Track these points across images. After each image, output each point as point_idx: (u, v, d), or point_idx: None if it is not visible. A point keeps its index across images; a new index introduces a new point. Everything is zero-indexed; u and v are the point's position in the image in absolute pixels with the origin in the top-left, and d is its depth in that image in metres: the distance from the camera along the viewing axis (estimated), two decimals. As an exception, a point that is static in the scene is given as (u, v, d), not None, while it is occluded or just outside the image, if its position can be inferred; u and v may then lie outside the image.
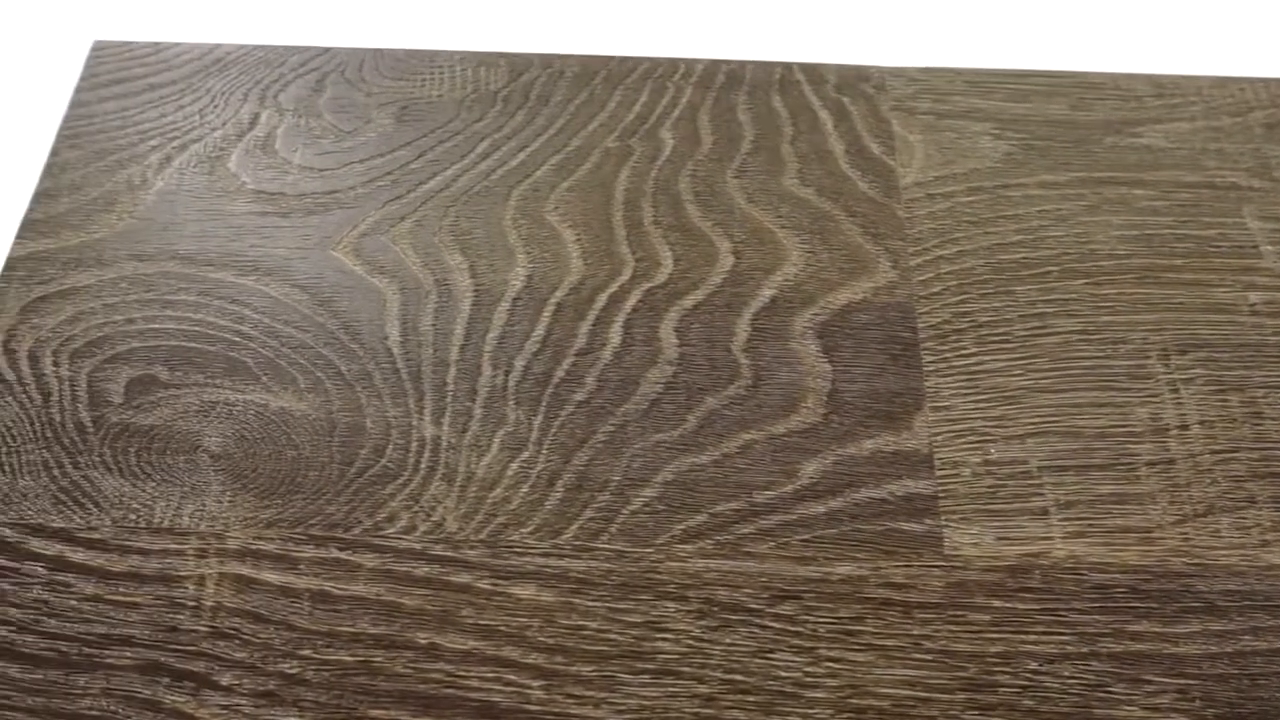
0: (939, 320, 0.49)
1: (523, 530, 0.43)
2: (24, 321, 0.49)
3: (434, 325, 0.48)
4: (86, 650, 0.41)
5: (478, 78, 0.57)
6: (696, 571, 0.42)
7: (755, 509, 0.44)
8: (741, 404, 0.46)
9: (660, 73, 0.57)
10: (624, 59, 0.58)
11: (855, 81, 0.57)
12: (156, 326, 0.48)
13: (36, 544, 0.43)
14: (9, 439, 0.45)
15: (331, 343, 0.48)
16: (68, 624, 0.41)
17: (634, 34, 0.58)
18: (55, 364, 0.48)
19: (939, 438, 0.46)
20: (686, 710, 0.39)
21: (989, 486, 0.44)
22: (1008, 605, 0.42)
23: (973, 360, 0.48)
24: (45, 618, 0.41)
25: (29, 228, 0.51)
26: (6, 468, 0.45)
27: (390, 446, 0.45)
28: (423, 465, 0.45)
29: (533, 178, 0.53)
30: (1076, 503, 0.44)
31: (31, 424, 0.46)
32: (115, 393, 0.47)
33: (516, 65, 0.57)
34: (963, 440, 0.45)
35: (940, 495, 0.44)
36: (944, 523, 0.43)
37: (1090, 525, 0.43)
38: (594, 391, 0.47)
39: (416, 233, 0.51)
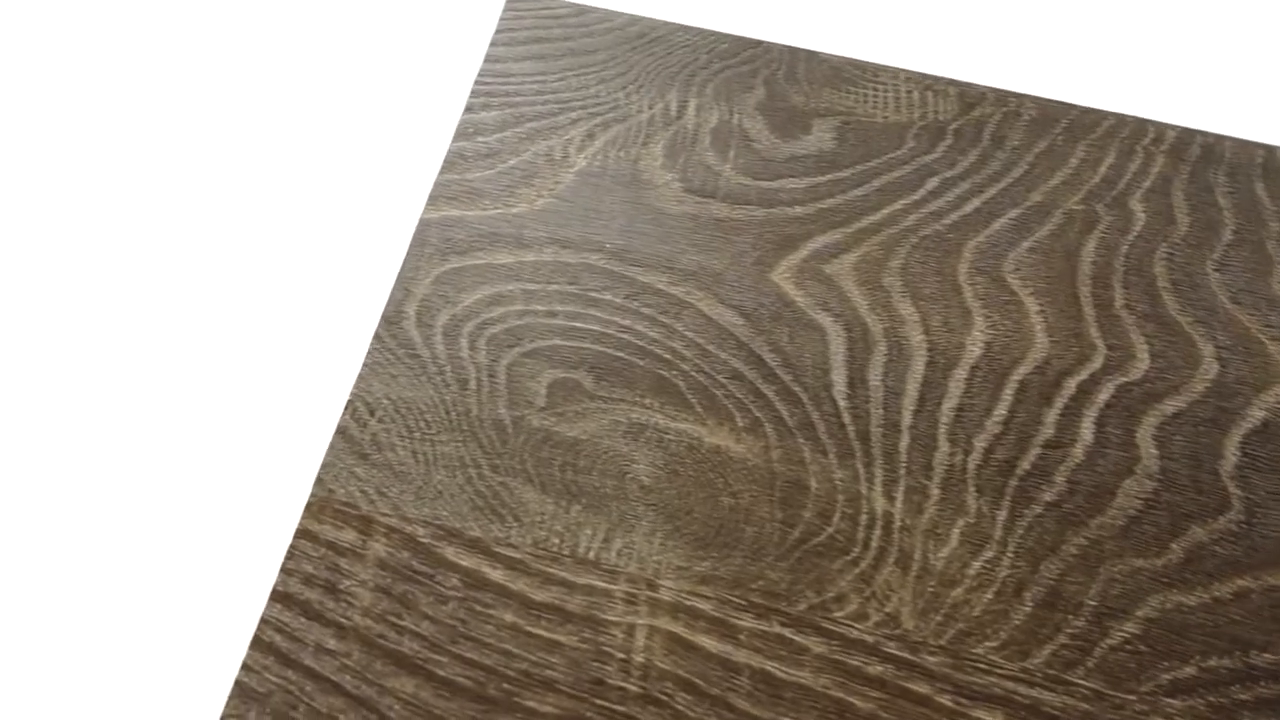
0: None
1: (987, 643, 0.38)
2: (438, 293, 0.44)
3: (884, 381, 0.43)
4: (505, 687, 0.36)
5: (925, 103, 0.51)
6: (1190, 734, 0.36)
7: (1253, 672, 0.38)
8: (1234, 542, 0.40)
9: (1128, 133, 0.50)
10: (1086, 110, 0.51)
11: (1348, 181, 0.49)
12: (581, 326, 0.44)
13: (452, 552, 0.39)
14: (423, 423, 0.41)
15: (771, 380, 0.42)
16: (485, 652, 0.37)
17: (1091, 80, 0.51)
18: (472, 348, 0.43)
19: None
20: None
21: None
22: None
23: None
24: (460, 639, 0.37)
25: (443, 189, 0.47)
26: (420, 456, 0.40)
27: (837, 514, 0.40)
28: (874, 543, 0.39)
29: (989, 230, 0.47)
30: None
31: (447, 412, 0.41)
32: (537, 393, 0.42)
33: (968, 96, 0.51)
34: None
35: None
36: None
37: None
38: (1064, 493, 0.41)
39: (862, 269, 0.45)
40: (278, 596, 0.38)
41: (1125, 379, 0.44)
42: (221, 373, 0.40)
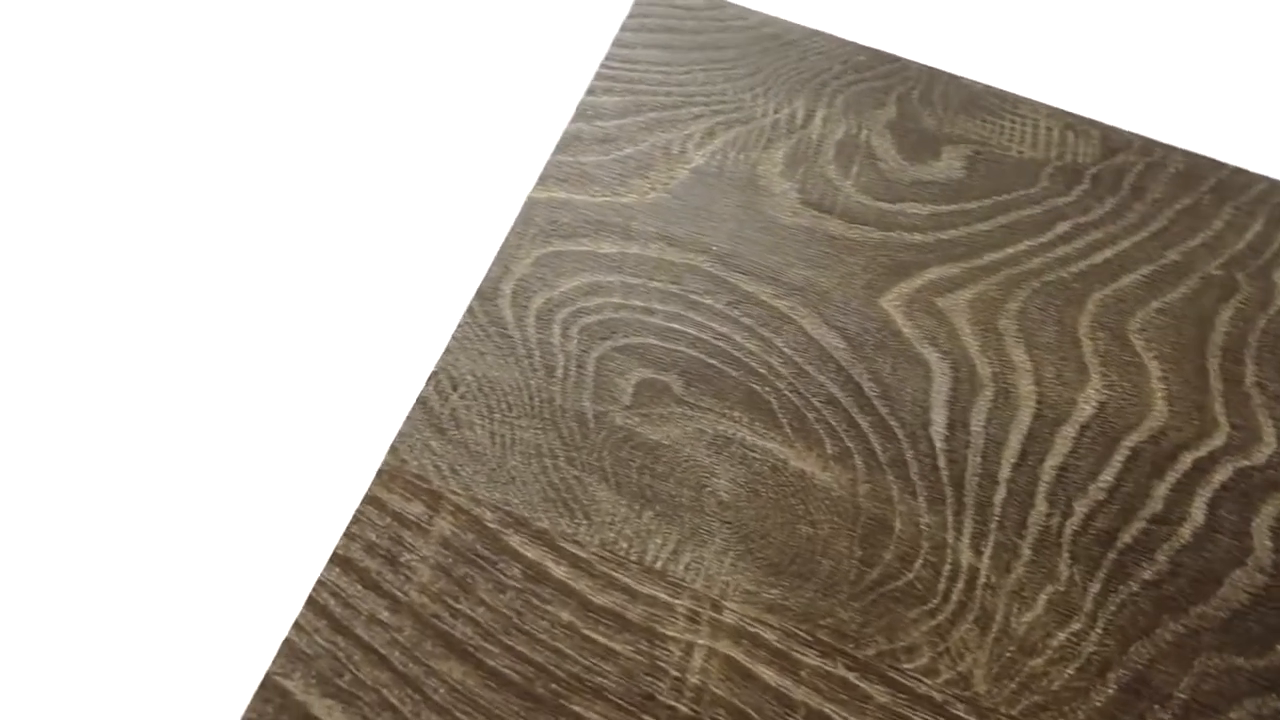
0: None
1: (1063, 721, 0.35)
2: (537, 275, 0.43)
3: (986, 428, 0.40)
4: (554, 687, 0.35)
5: (1065, 143, 0.48)
6: None
7: (1351, 796, 0.34)
8: (1346, 653, 0.37)
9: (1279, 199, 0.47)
10: (1238, 170, 0.48)
11: None
12: (677, 328, 0.42)
13: (517, 540, 0.37)
14: (505, 405, 0.40)
15: (867, 410, 0.40)
16: (537, 648, 0.35)
17: (1248, 140, 0.48)
18: (564, 335, 0.42)
19: None
20: None
21: None
22: None
23: None
24: (514, 630, 0.36)
25: (554, 170, 0.46)
26: (499, 439, 0.39)
27: (919, 561, 0.38)
28: (954, 596, 0.37)
29: (1118, 284, 0.44)
30: None
31: (531, 397, 0.40)
32: (624, 391, 0.41)
33: (1111, 141, 0.48)
34: None
35: None
36: None
37: None
38: (1165, 574, 0.38)
39: (978, 308, 0.43)
40: (337, 560, 0.37)
41: (1247, 462, 0.41)
42: (310, 333, 0.40)
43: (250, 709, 0.35)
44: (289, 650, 0.36)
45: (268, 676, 0.35)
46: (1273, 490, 0.40)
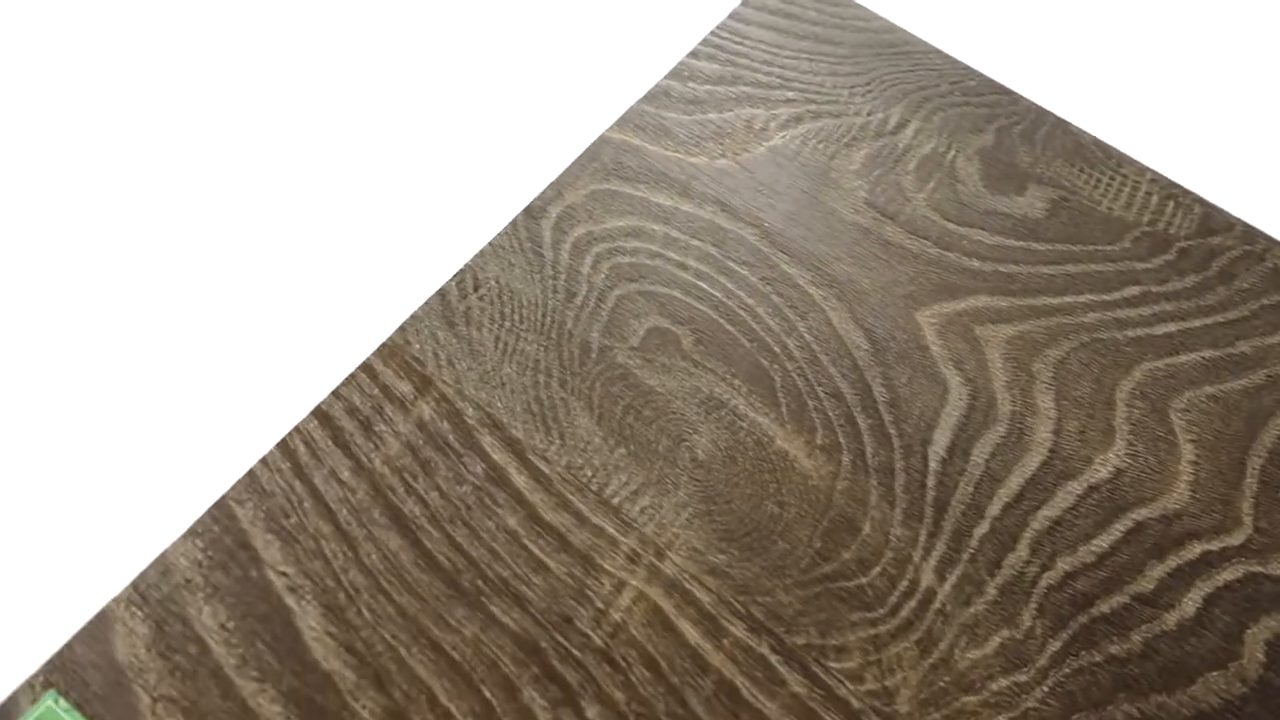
0: None
1: (979, 766, 0.33)
2: (585, 207, 0.44)
3: (987, 461, 0.39)
4: (479, 584, 0.35)
5: (1161, 211, 0.46)
6: None
7: None
8: (1313, 791, 0.34)
9: (1382, 322, 0.44)
10: (1343, 281, 0.45)
11: None
12: (705, 288, 0.42)
13: (488, 441, 0.38)
14: (515, 316, 0.41)
15: (869, 412, 0.39)
16: (475, 544, 0.36)
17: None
18: (594, 267, 0.42)
19: None
20: None
21: None
22: None
23: None
24: (460, 523, 0.36)
25: (634, 117, 0.46)
26: (501, 344, 0.40)
27: (878, 569, 0.36)
28: (903, 613, 0.36)
29: (1174, 359, 0.42)
30: None
31: (544, 315, 0.41)
32: (635, 332, 0.41)
33: (1212, 220, 0.46)
34: None
35: None
36: None
37: None
38: (1136, 655, 0.36)
39: (1016, 345, 0.41)
40: (318, 414, 0.39)
41: (1262, 569, 0.38)
42: (369, 210, 0.41)
43: (199, 523, 0.36)
44: (250, 481, 0.37)
45: (223, 499, 0.37)
46: (1281, 605, 0.37)
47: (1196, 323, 0.43)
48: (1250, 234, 0.46)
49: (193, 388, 0.39)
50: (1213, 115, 0.48)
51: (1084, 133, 0.48)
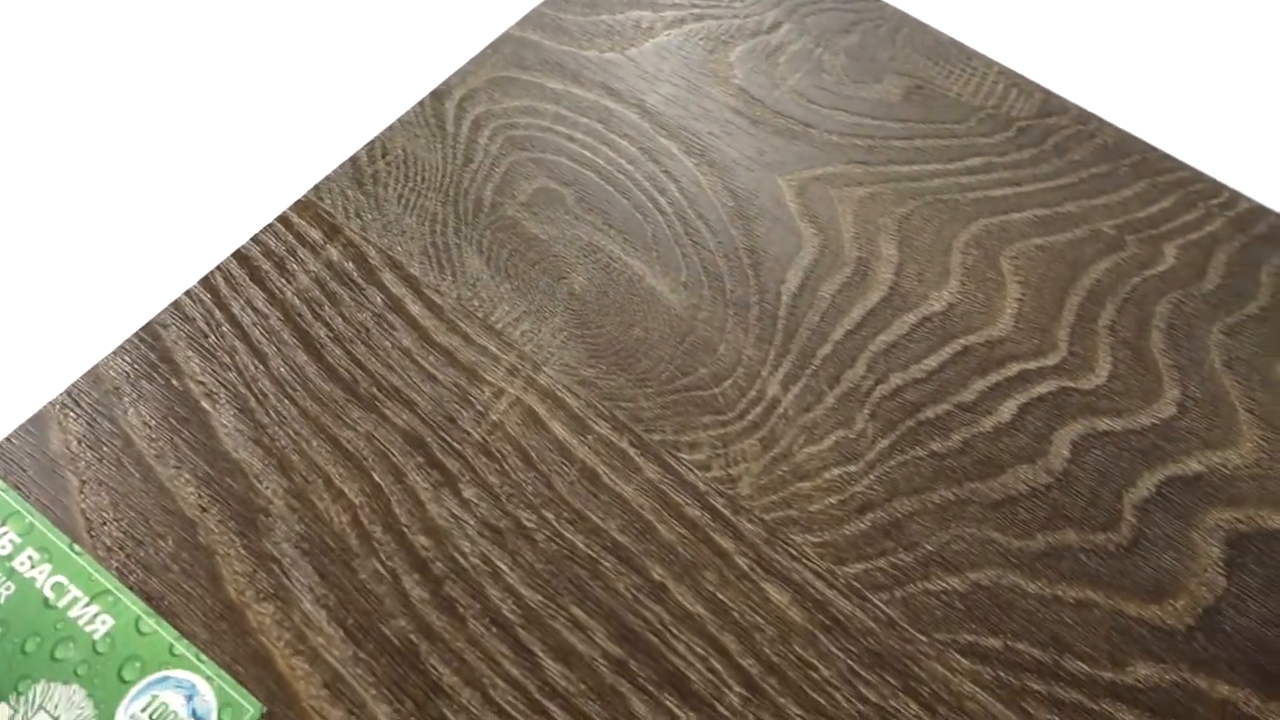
0: (1384, 612, 0.38)
1: (809, 536, 0.38)
2: (486, 91, 0.49)
3: (833, 297, 0.44)
4: (375, 392, 0.40)
5: (1005, 97, 0.51)
6: (960, 691, 0.36)
7: (1059, 673, 0.36)
8: (1104, 559, 0.39)
9: (1199, 188, 0.49)
10: (1166, 155, 0.50)
11: None
12: (589, 155, 0.47)
13: (389, 277, 0.43)
14: (417, 178, 0.46)
15: (730, 257, 0.45)
16: (372, 359, 0.41)
17: (1193, 139, 0.50)
18: (490, 139, 0.48)
19: (1314, 736, 0.36)
20: (872, 823, 0.33)
21: (1348, 828, 0.34)
22: None
23: (1402, 680, 0.37)
24: (359, 342, 0.41)
25: (534, 17, 0.52)
26: (403, 200, 0.45)
27: (730, 381, 0.42)
28: (750, 416, 0.41)
29: (1007, 217, 0.47)
30: None
31: (443, 176, 0.46)
32: (524, 190, 0.46)
33: (1050, 105, 0.51)
34: (1343, 757, 0.35)
35: (1281, 798, 0.34)
36: (1269, 830, 0.34)
37: None
38: (954, 451, 0.41)
39: (866, 204, 0.47)
40: (238, 255, 0.44)
41: (1072, 384, 0.43)
42: (288, 84, 0.47)
43: (128, 341, 0.41)
44: (175, 308, 0.42)
45: (150, 323, 0.42)
46: (1088, 413, 0.42)
47: (1030, 187, 0.49)
48: (1084, 116, 0.51)
49: (125, 233, 0.44)
50: (1057, 12, 0.54)
51: (941, 33, 0.54)
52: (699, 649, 0.36)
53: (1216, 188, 0.49)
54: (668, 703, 0.35)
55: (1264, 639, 0.38)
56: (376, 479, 0.39)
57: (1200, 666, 0.37)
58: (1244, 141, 0.51)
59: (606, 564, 0.37)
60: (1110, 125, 0.51)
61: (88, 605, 0.35)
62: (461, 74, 0.49)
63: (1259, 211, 0.49)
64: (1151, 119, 0.51)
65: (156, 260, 0.43)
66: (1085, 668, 0.37)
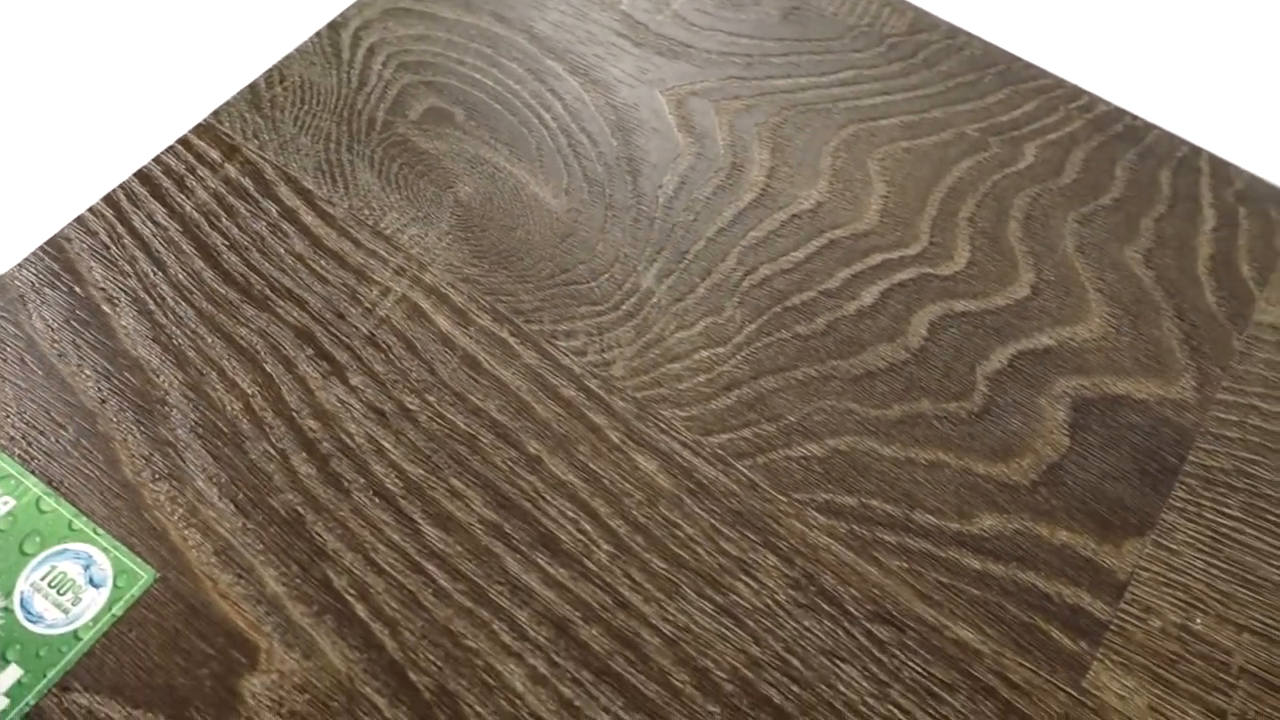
0: (1216, 465, 0.41)
1: (678, 411, 0.41)
2: (381, 22, 0.52)
3: (708, 198, 0.47)
4: (268, 293, 0.42)
5: (878, 15, 0.54)
6: (815, 543, 0.38)
7: (909, 525, 0.39)
8: (955, 425, 0.41)
9: (1060, 93, 0.52)
10: (1030, 65, 0.53)
11: (1265, 200, 0.49)
12: (478, 77, 0.50)
13: (284, 191, 0.45)
14: (313, 101, 0.48)
15: (612, 166, 0.47)
16: (266, 263, 0.43)
17: (1056, 49, 0.53)
18: (384, 65, 0.50)
19: (1145, 573, 0.39)
20: (728, 659, 0.36)
21: (1172, 652, 0.37)
22: (1122, 777, 0.35)
23: (1230, 524, 0.40)
24: (254, 249, 0.44)
25: (431, -47, 0.54)
26: (299, 122, 0.48)
27: (606, 276, 0.44)
28: (624, 307, 0.43)
29: (876, 123, 0.50)
30: (1265, 728, 0.36)
31: (338, 99, 0.49)
32: (415, 110, 0.49)
33: (920, 22, 0.54)
34: (1170, 591, 0.38)
35: (1112, 628, 0.37)
36: (1100, 656, 0.37)
37: (1268, 760, 0.35)
38: (819, 332, 0.43)
39: (742, 115, 0.49)
40: (140, 174, 0.46)
41: (932, 271, 0.46)
42: (190, 14, 0.49)
43: (32, 254, 0.44)
44: (78, 223, 0.45)
45: (54, 236, 0.44)
46: (946, 296, 0.45)
47: (899, 96, 0.51)
48: (954, 31, 0.54)
49: (30, 156, 0.46)
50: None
51: (819, -40, 0.56)
52: (570, 513, 0.39)
53: (1077, 92, 0.52)
54: (539, 560, 0.38)
55: (1101, 490, 0.41)
56: (268, 370, 0.41)
57: (1042, 516, 0.40)
58: (1103, 49, 0.54)
59: (485, 440, 0.40)
60: (978, 39, 0.54)
61: (-14, 481, 0.38)
62: (358, 5, 0.52)
63: (1116, 113, 0.52)
64: (1019, 32, 0.54)
65: (61, 182, 0.45)
66: (934, 520, 0.39)
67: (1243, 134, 0.52)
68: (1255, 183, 0.50)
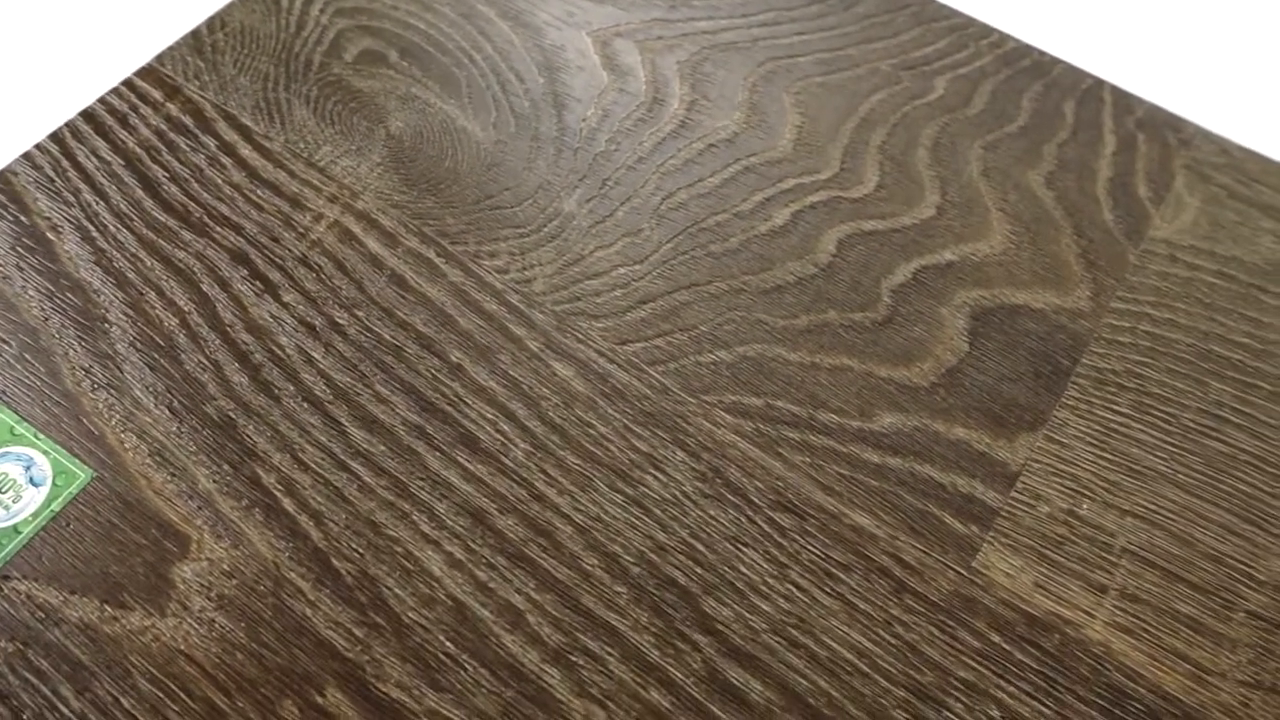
0: (1107, 367, 0.44)
1: (595, 323, 0.43)
2: (320, -29, 0.54)
3: (629, 130, 0.49)
4: (206, 220, 0.45)
5: (799, -38, 0.57)
6: (722, 440, 0.41)
7: (812, 423, 0.41)
8: (859, 333, 0.44)
9: (971, 31, 0.55)
10: (943, 5, 0.56)
11: (1163, 126, 0.52)
12: (411, 21, 0.52)
13: (222, 127, 0.48)
14: (253, 45, 0.51)
15: (538, 102, 0.50)
16: (203, 192, 0.45)
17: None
18: (322, 11, 0.52)
19: (1036, 465, 0.41)
20: (636, 545, 0.38)
21: (1058, 534, 0.39)
22: (1005, 646, 0.37)
23: (1119, 420, 0.42)
24: (193, 180, 0.46)
25: (369, -92, 0.57)
26: (239, 64, 0.50)
27: (530, 202, 0.46)
28: (546, 229, 0.46)
29: (793, 59, 0.52)
30: (1145, 602, 0.38)
31: (277, 44, 0.51)
32: (350, 52, 0.51)
33: (841, -33, 0.56)
34: (1059, 480, 0.41)
35: (1003, 514, 0.40)
36: (990, 539, 0.39)
37: (1147, 630, 0.38)
38: (732, 250, 0.46)
39: (664, 54, 0.52)
40: (84, 113, 0.48)
41: (841, 193, 0.48)
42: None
43: (-20, 188, 0.46)
44: (25, 158, 0.47)
45: (2, 170, 0.46)
46: (855, 217, 0.48)
47: (816, 35, 0.54)
48: (871, -24, 0.56)
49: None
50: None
51: (744, -89, 0.59)
52: (489, 415, 0.41)
53: (987, 30, 0.55)
54: (459, 458, 0.40)
55: (998, 391, 0.43)
56: (205, 289, 0.43)
57: (939, 414, 0.42)
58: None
59: (410, 351, 0.42)
60: (894, -17, 0.56)
61: (-72, 382, 0.40)
62: (297, -42, 0.54)
63: (1025, 49, 0.54)
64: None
65: (7, 123, 0.48)
66: (836, 419, 0.42)
67: (1146, 66, 0.54)
68: (1155, 111, 0.52)
